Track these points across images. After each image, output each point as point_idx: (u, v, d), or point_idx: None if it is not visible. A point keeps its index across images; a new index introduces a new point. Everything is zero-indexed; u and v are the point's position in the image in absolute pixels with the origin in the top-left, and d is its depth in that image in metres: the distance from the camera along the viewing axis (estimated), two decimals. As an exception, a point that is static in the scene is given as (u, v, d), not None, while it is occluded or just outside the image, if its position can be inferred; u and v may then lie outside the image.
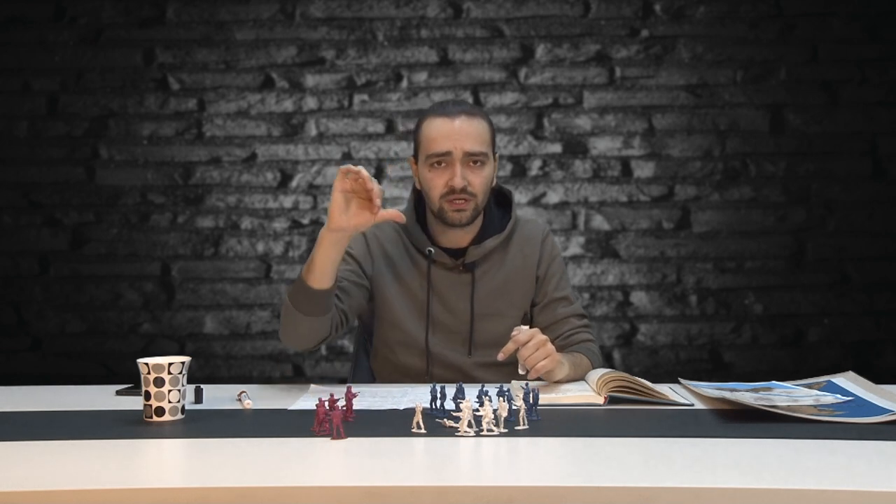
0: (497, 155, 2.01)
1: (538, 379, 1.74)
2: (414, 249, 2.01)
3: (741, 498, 1.14)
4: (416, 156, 2.00)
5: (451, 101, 2.09)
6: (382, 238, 2.03)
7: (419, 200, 2.04)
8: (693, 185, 3.44)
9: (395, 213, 1.78)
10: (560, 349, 1.82)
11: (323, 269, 1.78)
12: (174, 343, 3.46)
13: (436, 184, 1.93)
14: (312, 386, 1.86)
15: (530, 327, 1.74)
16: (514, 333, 1.71)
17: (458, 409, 1.47)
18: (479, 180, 1.93)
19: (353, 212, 1.75)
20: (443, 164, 1.92)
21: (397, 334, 2.01)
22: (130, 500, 1.16)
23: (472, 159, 1.92)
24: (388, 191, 3.46)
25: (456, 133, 1.91)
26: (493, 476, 1.25)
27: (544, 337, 1.72)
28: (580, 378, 1.84)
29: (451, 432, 1.42)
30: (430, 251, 1.98)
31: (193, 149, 3.48)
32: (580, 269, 3.45)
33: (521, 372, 1.71)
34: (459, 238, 2.00)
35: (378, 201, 1.72)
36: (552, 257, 2.05)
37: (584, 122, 3.46)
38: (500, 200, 2.09)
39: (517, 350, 1.70)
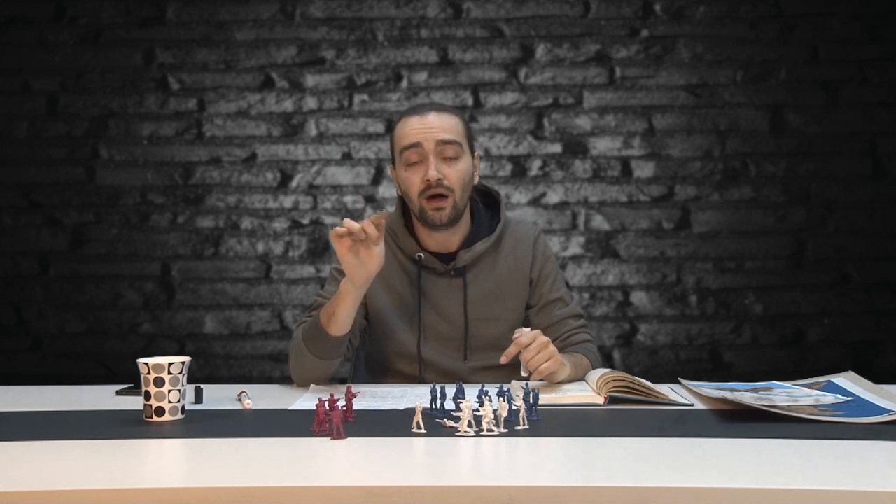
0: (477, 154, 1.99)
1: (540, 380, 1.74)
2: (403, 256, 1.99)
3: (741, 498, 1.14)
4: (394, 162, 1.99)
5: (422, 103, 2.07)
6: None
7: (406, 206, 2.02)
8: (693, 185, 3.44)
9: (376, 221, 1.76)
10: (559, 350, 1.81)
11: (346, 319, 1.81)
12: (174, 343, 3.46)
13: (413, 182, 1.91)
14: (312, 386, 1.86)
15: (531, 329, 1.74)
16: (515, 336, 1.71)
17: (458, 409, 1.48)
18: (455, 174, 1.90)
19: (364, 259, 1.77)
20: (417, 162, 1.91)
21: (390, 345, 2.00)
22: (130, 500, 1.16)
23: (446, 150, 1.90)
24: (388, 191, 3.46)
25: (426, 125, 1.91)
26: (493, 476, 1.25)
27: (546, 339, 1.72)
28: (580, 379, 1.84)
29: (451, 432, 1.42)
30: (419, 256, 1.96)
31: (193, 149, 3.48)
32: (580, 269, 3.44)
33: (523, 374, 1.71)
34: (448, 242, 1.98)
35: (374, 232, 1.73)
36: (545, 258, 2.04)
37: (584, 122, 3.46)
38: (488, 202, 2.07)
39: (519, 353, 1.70)
